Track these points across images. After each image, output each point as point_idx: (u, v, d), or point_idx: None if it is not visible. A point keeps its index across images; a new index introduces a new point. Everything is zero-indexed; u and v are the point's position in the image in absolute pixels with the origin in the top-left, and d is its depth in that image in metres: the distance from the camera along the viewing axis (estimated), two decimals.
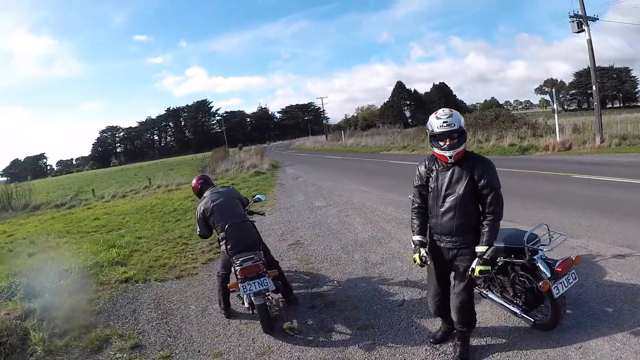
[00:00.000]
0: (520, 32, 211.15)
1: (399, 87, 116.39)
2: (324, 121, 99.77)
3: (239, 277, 4.86)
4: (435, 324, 4.53)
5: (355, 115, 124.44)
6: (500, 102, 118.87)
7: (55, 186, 48.38)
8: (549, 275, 3.78)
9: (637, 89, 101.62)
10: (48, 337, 4.98)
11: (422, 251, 3.66)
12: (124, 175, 53.13)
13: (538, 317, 4.12)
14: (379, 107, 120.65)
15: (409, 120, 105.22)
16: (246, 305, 5.09)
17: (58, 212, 19.45)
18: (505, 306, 4.38)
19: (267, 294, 5.05)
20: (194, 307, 5.82)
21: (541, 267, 3.85)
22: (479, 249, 3.48)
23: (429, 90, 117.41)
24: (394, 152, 31.77)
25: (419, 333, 4.44)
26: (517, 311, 4.20)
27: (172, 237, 10.14)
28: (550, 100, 22.45)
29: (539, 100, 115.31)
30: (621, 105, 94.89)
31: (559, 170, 13.79)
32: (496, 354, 3.94)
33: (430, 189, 3.69)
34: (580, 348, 3.81)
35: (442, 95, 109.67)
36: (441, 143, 3.47)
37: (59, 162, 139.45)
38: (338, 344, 4.54)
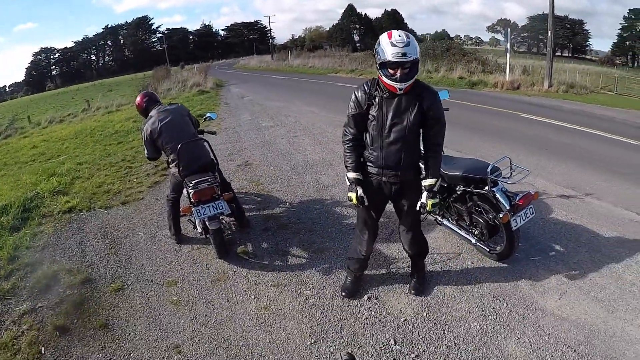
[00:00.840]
0: None
1: (350, 10, 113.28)
2: (270, 40, 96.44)
3: (192, 200, 4.65)
4: (391, 246, 4.69)
5: (302, 36, 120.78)
6: (451, 36, 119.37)
7: None
8: (508, 208, 3.91)
9: (587, 42, 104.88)
10: None
11: (360, 190, 3.44)
12: (61, 99, 49.96)
13: (492, 246, 4.31)
14: (328, 29, 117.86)
15: (358, 45, 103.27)
16: (199, 230, 4.93)
17: None
18: (460, 234, 4.55)
19: (221, 218, 4.91)
20: (143, 234, 5.62)
21: (501, 199, 3.97)
22: (428, 181, 3.42)
23: (380, 16, 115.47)
24: (342, 75, 31.32)
25: (375, 256, 4.52)
26: (472, 240, 4.38)
27: (114, 161, 9.58)
28: (503, 39, 22.70)
29: (490, 39, 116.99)
30: (570, 55, 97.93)
31: (507, 107, 14.20)
32: (450, 281, 4.14)
33: (372, 118, 3.37)
34: (529, 280, 4.07)
35: (393, 22, 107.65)
36: (392, 72, 3.13)
37: None
38: (295, 268, 4.58)
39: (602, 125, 11.43)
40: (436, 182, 3.42)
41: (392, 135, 3.33)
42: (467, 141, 9.15)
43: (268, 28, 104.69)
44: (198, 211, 4.56)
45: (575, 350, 3.24)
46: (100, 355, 3.56)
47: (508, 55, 22.03)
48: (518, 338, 3.39)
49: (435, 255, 4.56)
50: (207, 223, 4.67)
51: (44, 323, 3.97)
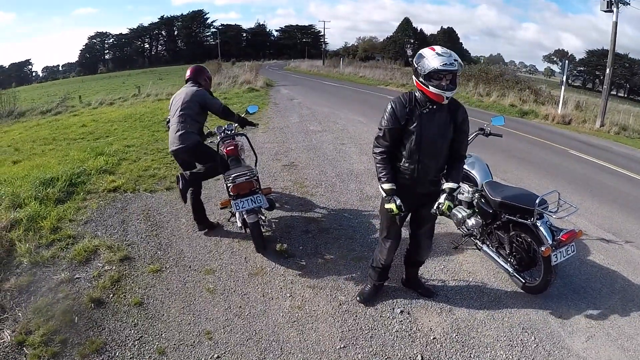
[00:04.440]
0: None
1: (406, 23, 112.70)
2: (323, 46, 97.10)
3: (231, 193, 4.86)
4: (428, 264, 4.81)
5: (355, 44, 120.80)
6: (506, 61, 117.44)
7: (40, 93, 46.27)
8: (551, 242, 3.96)
9: None
10: (34, 249, 4.89)
11: (398, 200, 3.51)
12: (112, 83, 51.36)
13: (528, 279, 4.37)
14: (381, 40, 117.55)
15: (410, 59, 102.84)
16: (239, 224, 5.13)
17: (43, 119, 18.72)
18: (498, 262, 4.61)
19: (260, 213, 5.05)
20: (185, 221, 5.82)
21: (545, 232, 4.02)
22: (449, 185, 3.60)
23: (435, 33, 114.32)
24: (392, 88, 31.19)
25: None
26: (509, 269, 4.45)
27: (161, 147, 9.87)
28: (559, 70, 22.24)
29: (545, 69, 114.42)
30: (626, 95, 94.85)
31: (556, 142, 13.95)
32: (482, 307, 4.23)
33: (411, 132, 3.45)
34: (559, 317, 4.12)
35: (449, 41, 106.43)
36: (438, 82, 3.29)
37: (45, 69, 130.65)
38: (332, 272, 4.71)
39: None
40: (457, 187, 3.64)
41: (430, 150, 3.50)
42: (514, 170, 9.18)
43: (322, 33, 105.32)
44: (236, 204, 4.74)
45: None
46: (133, 331, 3.75)
47: (563, 87, 21.56)
48: None
49: (471, 279, 4.66)
50: (245, 216, 4.83)
51: (80, 294, 4.17)
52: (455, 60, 3.23)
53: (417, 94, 3.47)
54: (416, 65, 3.40)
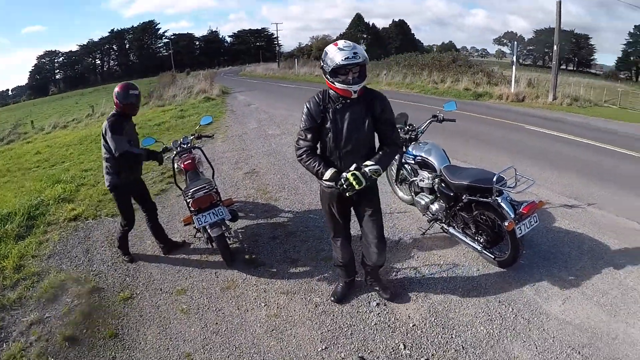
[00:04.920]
0: None
1: (358, 19, 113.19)
2: (277, 48, 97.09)
3: (192, 209, 4.76)
4: (398, 254, 4.83)
5: (309, 44, 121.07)
6: (457, 47, 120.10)
7: None
8: (513, 216, 4.04)
9: (592, 57, 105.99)
10: None
11: (346, 173, 3.31)
12: (65, 104, 50.36)
13: (497, 254, 4.45)
14: (335, 38, 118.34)
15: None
16: (204, 238, 5.04)
17: None
18: (466, 242, 4.68)
19: (224, 226, 4.95)
20: (150, 242, 5.66)
21: (506, 207, 4.10)
22: (368, 162, 3.37)
23: (387, 27, 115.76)
24: None
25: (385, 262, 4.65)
26: (478, 247, 4.52)
27: None
28: (509, 51, 22.97)
29: (496, 51, 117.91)
30: (575, 68, 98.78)
31: (512, 119, 14.36)
32: (456, 288, 4.27)
33: (328, 130, 3.40)
34: (533, 285, 4.21)
35: (400, 33, 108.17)
36: (343, 77, 3.24)
37: None
38: (303, 275, 4.68)
39: (605, 138, 11.56)
40: (373, 165, 3.34)
41: (349, 145, 3.41)
42: (473, 151, 9.35)
43: (275, 36, 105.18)
44: (198, 219, 4.63)
45: (579, 352, 3.37)
46: None
47: (514, 67, 22.29)
48: (524, 341, 3.51)
49: (442, 262, 4.70)
50: (209, 230, 4.74)
51: (53, 334, 3.98)
52: (357, 52, 3.19)
53: (331, 90, 3.42)
54: (322, 63, 3.37)
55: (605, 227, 5.49)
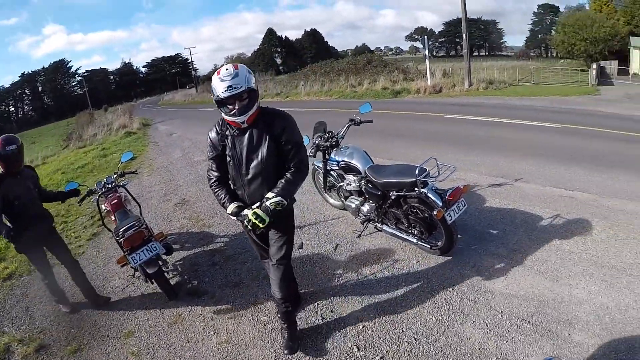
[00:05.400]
0: None
1: (270, 34, 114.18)
2: (193, 73, 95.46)
3: (124, 249, 4.56)
4: (336, 258, 4.81)
5: (225, 64, 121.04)
6: (372, 49, 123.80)
7: None
8: (441, 204, 4.13)
9: (502, 40, 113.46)
10: None
11: (250, 211, 3.13)
12: None
13: (433, 243, 4.52)
14: (250, 55, 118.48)
15: (281, 68, 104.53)
16: (142, 277, 4.83)
17: None
18: (401, 237, 4.74)
19: (160, 261, 4.77)
20: None
21: (433, 197, 4.19)
22: (269, 194, 3.15)
23: (300, 37, 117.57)
24: (268, 100, 31.39)
25: (323, 272, 4.65)
26: (413, 240, 4.58)
27: None
28: (421, 46, 23.85)
29: (409, 47, 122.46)
30: (487, 53, 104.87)
31: (431, 111, 14.90)
32: (399, 282, 4.29)
33: (229, 158, 3.26)
34: (474, 267, 4.32)
35: (314, 42, 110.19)
36: (230, 107, 3.05)
37: None
38: (248, 296, 4.57)
39: (523, 115, 12.25)
40: (275, 197, 3.14)
41: (250, 172, 3.21)
42: (397, 148, 9.55)
43: (189, 60, 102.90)
44: (133, 258, 4.44)
45: (529, 321, 3.48)
46: None
47: (427, 61, 23.20)
48: (474, 322, 3.58)
49: (382, 260, 4.71)
50: (145, 268, 4.55)
51: None
52: (238, 82, 2.98)
53: None
54: (212, 93, 3.22)
55: (535, 199, 5.76)
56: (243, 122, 3.10)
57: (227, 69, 3.04)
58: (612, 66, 37.67)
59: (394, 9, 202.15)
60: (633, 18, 53.99)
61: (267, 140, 3.16)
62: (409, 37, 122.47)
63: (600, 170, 7.18)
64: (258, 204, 3.15)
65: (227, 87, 2.97)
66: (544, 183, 6.30)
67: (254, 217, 3.06)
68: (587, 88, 24.12)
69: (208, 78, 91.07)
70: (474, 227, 5.13)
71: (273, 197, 3.13)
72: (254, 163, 3.19)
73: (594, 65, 29.24)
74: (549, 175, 6.62)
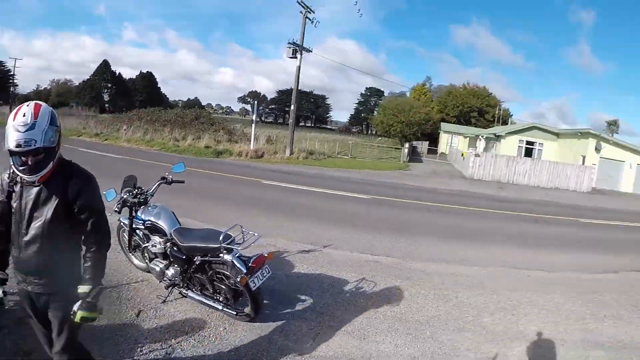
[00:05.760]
0: (234, 42, 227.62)
1: (104, 66, 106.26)
2: (12, 89, 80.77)
3: None
4: (138, 328, 4.41)
5: (48, 88, 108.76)
6: (203, 104, 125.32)
7: None
8: (245, 271, 4.13)
9: (328, 114, 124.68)
10: None
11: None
12: None
13: (239, 309, 4.45)
14: (77, 84, 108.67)
15: (107, 105, 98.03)
16: None
17: None
18: (207, 303, 4.58)
19: None
20: None
21: (237, 264, 4.18)
22: (82, 288, 2.65)
23: (134, 77, 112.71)
24: (86, 139, 28.80)
25: (125, 341, 4.13)
26: (219, 307, 4.47)
27: None
28: (251, 110, 24.58)
29: (240, 109, 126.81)
30: (313, 125, 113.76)
31: (250, 175, 15.22)
32: (206, 351, 4.02)
33: (13, 210, 2.64)
34: (282, 331, 4.33)
35: (147, 85, 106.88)
36: (22, 160, 2.48)
37: None
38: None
39: (338, 185, 13.20)
40: (92, 289, 2.66)
41: (29, 233, 2.61)
42: (212, 210, 9.39)
43: (11, 72, 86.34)
44: None
45: None
46: None
47: (254, 125, 23.89)
48: None
49: (188, 328, 4.43)
50: None
51: None
52: (28, 137, 2.41)
53: None
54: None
55: (342, 264, 6.13)
56: (33, 182, 2.55)
57: (24, 115, 2.43)
58: (423, 146, 44.48)
59: (234, 69, 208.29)
60: (445, 107, 65.90)
61: (57, 202, 2.59)
62: (242, 99, 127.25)
63: (404, 236, 8.06)
64: (78, 303, 2.60)
65: (18, 143, 2.40)
66: (351, 249, 6.77)
67: (82, 320, 2.59)
68: (399, 164, 27.45)
69: (27, 98, 78.79)
70: (283, 292, 5.19)
71: (88, 289, 2.65)
72: (37, 224, 2.60)
73: (407, 145, 33.81)
74: (357, 242, 7.15)
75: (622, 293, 6.58)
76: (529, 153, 33.68)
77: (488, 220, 11.64)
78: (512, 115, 69.88)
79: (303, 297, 5.05)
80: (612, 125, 77.78)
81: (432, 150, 45.69)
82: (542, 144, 34.16)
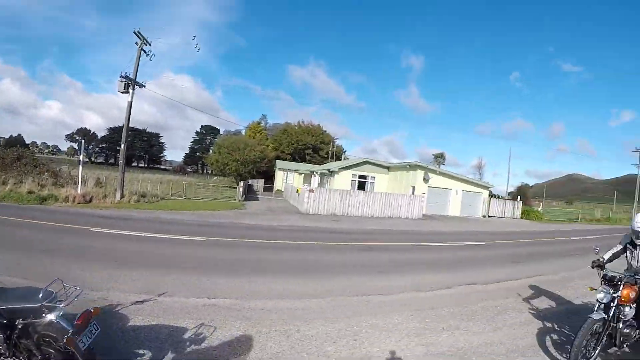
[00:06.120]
0: (64, 72, 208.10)
1: None
2: None
3: None
4: None
5: None
6: (27, 142, 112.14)
7: None
8: (71, 330, 3.87)
9: (162, 154, 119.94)
10: None
11: None
12: None
13: None
14: None
15: None
16: None
17: None
18: None
19: None
20: None
21: (62, 323, 3.92)
22: None
23: None
24: None
25: None
26: None
27: None
28: (78, 149, 22.82)
29: (68, 148, 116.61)
30: (146, 165, 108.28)
31: (77, 223, 14.12)
32: None
33: None
34: None
35: None
36: None
37: None
38: None
39: (171, 229, 12.96)
40: None
41: None
42: (35, 266, 8.43)
43: None
44: None
45: None
46: None
47: (80, 167, 22.23)
48: None
49: None
50: None
51: None
52: None
53: None
54: None
55: (179, 311, 6.09)
56: None
57: None
58: (259, 184, 45.23)
59: (61, 102, 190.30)
60: (281, 145, 67.77)
61: None
62: (70, 137, 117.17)
63: (240, 276, 8.31)
64: None
65: None
66: (187, 295, 6.77)
67: None
68: (234, 203, 27.65)
69: None
70: (120, 349, 4.98)
71: None
72: None
73: (242, 183, 34.04)
74: (193, 287, 7.18)
75: (457, 305, 7.56)
76: (362, 186, 36.99)
77: (323, 252, 12.35)
78: (345, 151, 75.54)
79: (141, 352, 4.91)
80: (439, 157, 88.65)
81: (268, 188, 46.79)
82: (374, 177, 37.80)
